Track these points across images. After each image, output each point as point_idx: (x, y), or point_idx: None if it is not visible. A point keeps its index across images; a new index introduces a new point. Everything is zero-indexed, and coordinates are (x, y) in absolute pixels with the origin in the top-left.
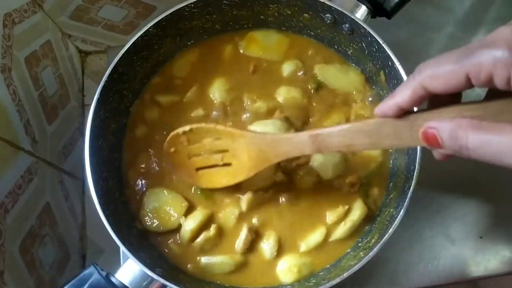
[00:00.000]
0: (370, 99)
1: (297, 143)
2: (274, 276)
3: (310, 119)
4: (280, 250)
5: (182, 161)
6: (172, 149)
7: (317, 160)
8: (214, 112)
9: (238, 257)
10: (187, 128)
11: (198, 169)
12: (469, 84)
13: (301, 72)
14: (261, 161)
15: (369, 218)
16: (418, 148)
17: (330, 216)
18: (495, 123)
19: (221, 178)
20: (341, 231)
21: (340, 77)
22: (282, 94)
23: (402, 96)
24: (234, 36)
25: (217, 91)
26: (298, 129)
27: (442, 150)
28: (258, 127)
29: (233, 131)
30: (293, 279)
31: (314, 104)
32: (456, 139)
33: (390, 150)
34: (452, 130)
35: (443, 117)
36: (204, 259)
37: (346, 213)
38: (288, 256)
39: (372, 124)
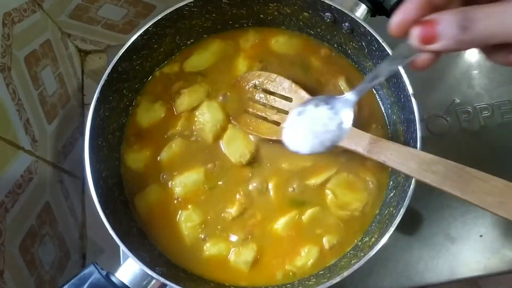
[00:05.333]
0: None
1: (357, 137)
2: None
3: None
4: None
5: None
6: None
7: None
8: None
9: None
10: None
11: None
12: None
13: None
14: None
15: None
16: (418, 147)
17: None
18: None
19: (263, 129)
20: None
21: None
22: None
23: None
24: (234, 35)
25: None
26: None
27: (436, 45)
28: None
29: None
30: None
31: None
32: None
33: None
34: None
35: None
36: None
37: None
38: None
39: (430, 158)
